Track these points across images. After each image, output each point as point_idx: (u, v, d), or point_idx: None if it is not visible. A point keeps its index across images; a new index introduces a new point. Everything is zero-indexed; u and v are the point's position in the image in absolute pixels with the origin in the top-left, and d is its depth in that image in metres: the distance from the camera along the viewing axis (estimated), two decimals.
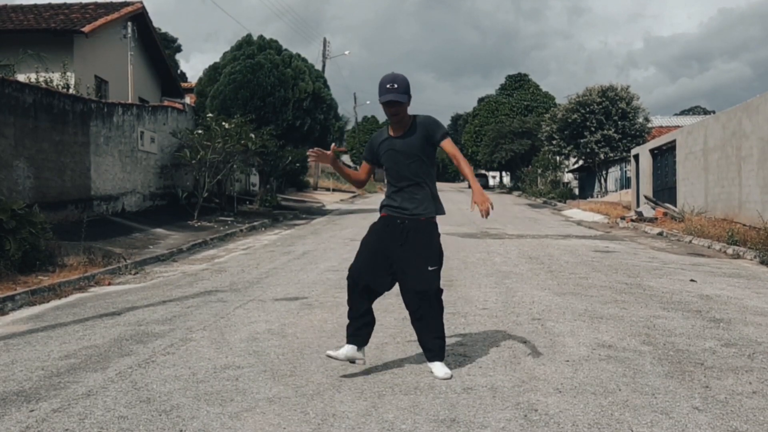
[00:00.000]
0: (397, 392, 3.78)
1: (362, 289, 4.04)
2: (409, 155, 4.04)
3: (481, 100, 66.55)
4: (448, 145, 4.04)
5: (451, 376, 4.00)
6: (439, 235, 4.19)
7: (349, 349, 4.04)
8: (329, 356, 4.05)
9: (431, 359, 4.09)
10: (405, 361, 4.41)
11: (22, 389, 3.97)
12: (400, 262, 4.03)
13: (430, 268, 4.02)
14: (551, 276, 8.28)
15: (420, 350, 4.69)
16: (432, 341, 4.08)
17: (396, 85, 3.95)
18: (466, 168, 4.12)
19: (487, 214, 3.88)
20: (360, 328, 4.06)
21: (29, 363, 4.59)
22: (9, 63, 15.74)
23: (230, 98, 20.33)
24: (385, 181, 4.19)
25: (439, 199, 4.23)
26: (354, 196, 37.25)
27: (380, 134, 4.21)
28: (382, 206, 4.18)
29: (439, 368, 4.03)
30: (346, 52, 65.54)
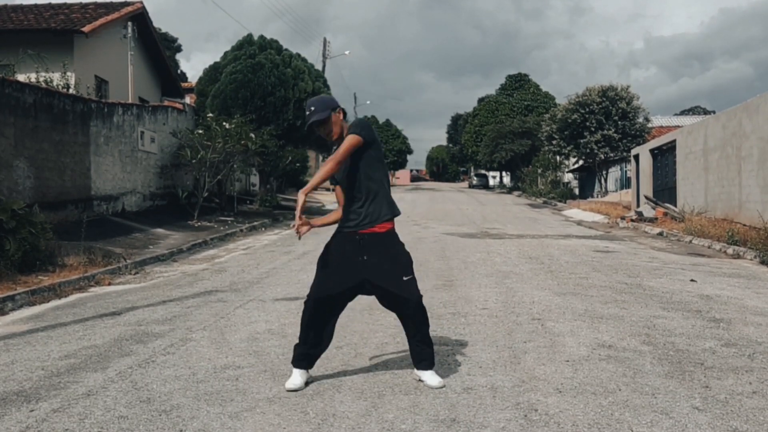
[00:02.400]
0: (397, 392, 3.78)
1: (318, 311, 3.94)
2: (349, 164, 3.84)
3: (481, 100, 66.49)
4: (344, 141, 3.75)
5: (444, 385, 3.88)
6: (401, 242, 3.98)
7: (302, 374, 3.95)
8: (289, 390, 3.85)
9: (422, 367, 3.94)
10: (405, 361, 4.40)
11: (22, 389, 3.97)
12: (376, 280, 3.83)
13: (405, 278, 3.83)
14: (551, 276, 8.28)
15: None
16: (421, 352, 3.94)
17: (313, 108, 3.86)
18: (323, 169, 3.69)
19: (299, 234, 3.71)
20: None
21: (29, 363, 4.59)
22: (9, 63, 15.73)
23: (231, 98, 20.33)
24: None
25: (391, 200, 3.98)
26: None
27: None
28: (339, 227, 3.96)
29: (430, 377, 3.90)
30: (346, 52, 65.57)
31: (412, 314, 3.89)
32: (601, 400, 3.62)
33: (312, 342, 3.96)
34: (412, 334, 3.97)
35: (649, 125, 31.22)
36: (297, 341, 4.01)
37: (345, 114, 4.04)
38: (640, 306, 6.32)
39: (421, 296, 3.92)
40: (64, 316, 6.33)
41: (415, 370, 4.00)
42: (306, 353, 3.96)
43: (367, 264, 3.82)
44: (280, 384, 3.95)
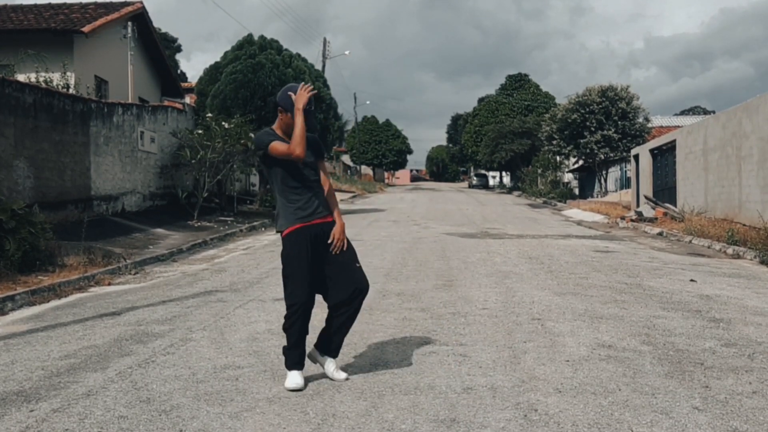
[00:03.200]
0: (397, 392, 3.78)
1: (308, 312, 3.97)
2: (310, 161, 4.02)
3: (481, 100, 66.47)
4: (324, 165, 4.20)
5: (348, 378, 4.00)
6: None
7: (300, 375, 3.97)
8: (292, 390, 3.87)
9: (333, 355, 4.07)
10: (405, 361, 4.41)
11: (22, 389, 3.97)
12: (331, 266, 3.96)
13: (357, 265, 4.02)
14: (551, 276, 8.28)
15: (420, 350, 4.71)
16: (340, 340, 4.07)
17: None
18: (333, 198, 4.13)
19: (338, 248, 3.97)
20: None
21: (29, 363, 4.59)
22: (9, 63, 15.72)
23: (231, 98, 20.32)
24: (282, 188, 3.99)
25: None
26: (354, 196, 37.25)
27: (273, 135, 4.06)
28: (294, 219, 3.93)
29: (337, 370, 4.05)
30: (347, 52, 65.61)
31: (357, 303, 4.00)
32: (601, 400, 3.62)
33: (304, 341, 3.98)
34: (341, 325, 4.01)
35: (649, 125, 31.24)
36: (286, 345, 3.94)
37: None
38: (640, 306, 6.32)
39: (368, 285, 4.08)
40: (64, 316, 6.33)
41: (327, 357, 4.04)
42: (302, 353, 3.97)
43: (327, 252, 3.96)
44: (280, 384, 3.95)
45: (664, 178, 20.52)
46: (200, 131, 18.11)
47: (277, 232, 4.02)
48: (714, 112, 37.11)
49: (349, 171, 65.86)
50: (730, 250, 11.26)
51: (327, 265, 3.95)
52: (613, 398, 3.65)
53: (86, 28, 17.54)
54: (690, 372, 4.14)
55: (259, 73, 20.58)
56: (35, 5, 20.28)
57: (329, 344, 4.06)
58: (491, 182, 64.83)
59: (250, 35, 22.25)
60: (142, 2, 20.99)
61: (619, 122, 29.98)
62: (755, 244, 10.73)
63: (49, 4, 20.39)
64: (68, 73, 16.43)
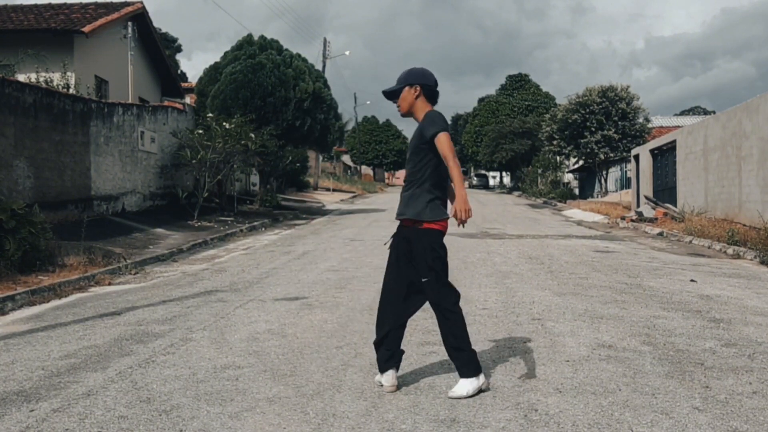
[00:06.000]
0: (397, 392, 3.78)
1: None
2: (409, 151, 3.92)
3: (481, 100, 66.50)
4: (440, 144, 3.60)
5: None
6: (434, 243, 3.70)
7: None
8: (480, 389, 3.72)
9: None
10: (405, 361, 4.40)
11: (22, 389, 3.97)
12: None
13: (423, 280, 3.74)
14: (551, 276, 8.28)
15: (420, 350, 4.71)
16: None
17: (398, 78, 3.91)
18: (456, 170, 3.54)
19: (462, 222, 3.52)
20: None
21: (29, 363, 4.58)
22: (9, 63, 15.73)
23: (231, 98, 20.32)
24: (435, 177, 3.78)
25: (434, 201, 3.73)
26: (354, 196, 37.25)
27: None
28: (443, 213, 3.75)
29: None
30: (347, 52, 65.63)
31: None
32: (601, 400, 3.62)
33: None
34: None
35: (649, 125, 31.26)
36: (468, 350, 3.73)
37: (428, 93, 3.86)
38: (640, 306, 6.32)
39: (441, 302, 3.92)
40: (64, 316, 6.33)
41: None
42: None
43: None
44: (280, 384, 3.95)
45: (664, 178, 20.52)
46: (200, 131, 18.11)
47: (424, 222, 3.67)
48: (714, 112, 37.15)
49: (349, 171, 65.87)
50: (730, 250, 11.26)
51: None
52: (613, 398, 3.65)
53: (86, 28, 17.54)
54: (690, 372, 4.14)
55: (259, 74, 20.57)
56: (35, 5, 20.28)
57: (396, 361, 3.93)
58: (491, 182, 64.92)
59: (250, 35, 22.25)
60: (142, 2, 20.99)
61: (620, 122, 29.99)
62: (755, 244, 10.72)
63: (49, 4, 20.40)
64: (68, 73, 16.43)
